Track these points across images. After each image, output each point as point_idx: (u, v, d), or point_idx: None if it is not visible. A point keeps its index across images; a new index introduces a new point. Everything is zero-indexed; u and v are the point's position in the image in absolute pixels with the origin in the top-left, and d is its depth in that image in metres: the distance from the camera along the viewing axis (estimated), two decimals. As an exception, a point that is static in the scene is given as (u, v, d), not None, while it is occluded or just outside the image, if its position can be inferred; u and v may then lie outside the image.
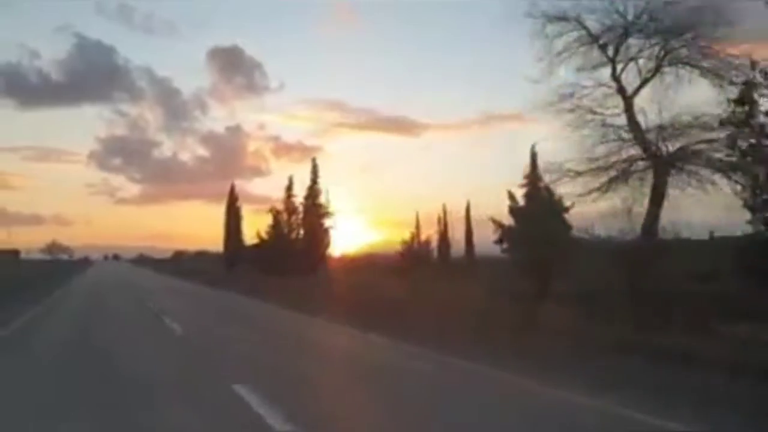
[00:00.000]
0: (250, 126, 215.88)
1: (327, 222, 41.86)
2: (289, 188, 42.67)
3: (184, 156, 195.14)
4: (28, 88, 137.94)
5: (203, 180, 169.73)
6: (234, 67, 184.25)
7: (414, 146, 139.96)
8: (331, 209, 41.78)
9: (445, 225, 52.44)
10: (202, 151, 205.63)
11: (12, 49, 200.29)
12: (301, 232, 42.18)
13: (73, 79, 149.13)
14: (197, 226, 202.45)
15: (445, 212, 54.21)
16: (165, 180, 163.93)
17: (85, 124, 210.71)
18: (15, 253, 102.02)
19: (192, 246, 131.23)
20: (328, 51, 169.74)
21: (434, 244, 46.16)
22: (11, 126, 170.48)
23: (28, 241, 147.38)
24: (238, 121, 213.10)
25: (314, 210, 41.26)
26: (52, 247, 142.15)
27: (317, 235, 41.16)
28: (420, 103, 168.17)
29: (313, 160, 42.10)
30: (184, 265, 73.83)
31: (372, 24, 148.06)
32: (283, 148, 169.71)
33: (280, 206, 42.62)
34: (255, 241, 45.61)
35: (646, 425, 5.32)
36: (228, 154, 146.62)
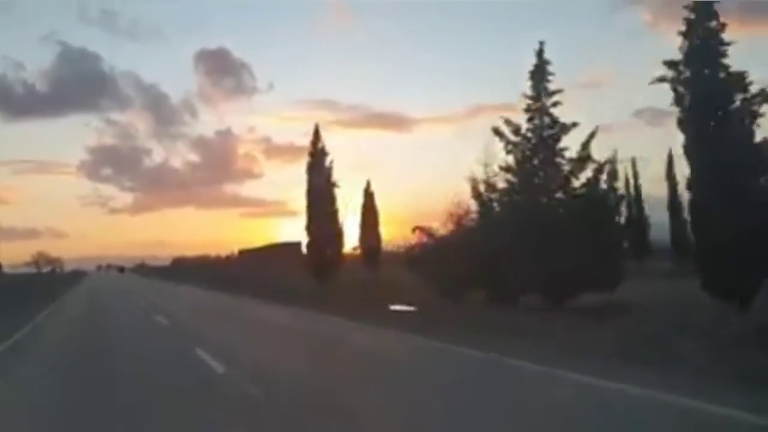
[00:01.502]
0: (241, 129, 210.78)
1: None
2: (541, 63, 15.60)
3: (175, 162, 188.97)
4: (14, 100, 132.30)
5: (195, 186, 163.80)
6: (222, 69, 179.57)
7: (407, 141, 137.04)
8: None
9: (637, 188, 34.98)
10: (193, 157, 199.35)
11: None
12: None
13: (60, 89, 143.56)
14: (192, 232, 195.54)
15: (634, 167, 34.68)
16: (156, 187, 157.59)
17: (74, 134, 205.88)
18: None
19: (188, 252, 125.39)
20: (316, 49, 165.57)
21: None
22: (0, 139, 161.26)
23: (24, 255, 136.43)
24: (228, 125, 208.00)
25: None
26: (39, 259, 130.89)
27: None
28: (411, 96, 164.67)
29: None
30: (207, 273, 60.15)
31: (359, 21, 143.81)
32: (275, 150, 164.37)
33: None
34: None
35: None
36: (219, 158, 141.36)
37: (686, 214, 18.27)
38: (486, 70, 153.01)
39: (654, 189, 59.62)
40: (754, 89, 11.27)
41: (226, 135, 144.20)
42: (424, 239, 19.23)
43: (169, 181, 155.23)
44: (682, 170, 12.24)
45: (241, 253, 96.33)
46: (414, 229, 19.75)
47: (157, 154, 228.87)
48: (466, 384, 7.58)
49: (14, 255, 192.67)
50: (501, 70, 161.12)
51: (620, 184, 31.73)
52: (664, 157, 35.31)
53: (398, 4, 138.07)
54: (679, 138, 11.56)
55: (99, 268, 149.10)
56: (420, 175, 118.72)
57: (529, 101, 15.34)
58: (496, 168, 15.61)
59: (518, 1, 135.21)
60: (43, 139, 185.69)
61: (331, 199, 29.00)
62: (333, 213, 29.03)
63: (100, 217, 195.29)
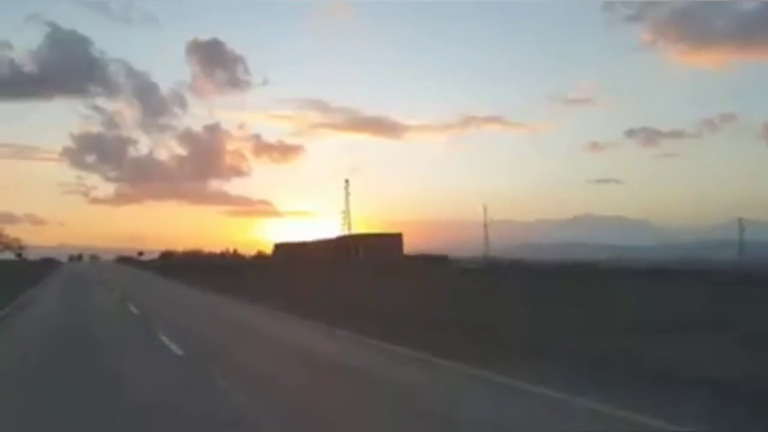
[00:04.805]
0: (230, 124, 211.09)
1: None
2: None
3: (161, 154, 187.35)
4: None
5: (180, 180, 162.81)
6: (215, 61, 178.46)
7: (395, 147, 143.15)
8: None
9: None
10: (180, 150, 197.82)
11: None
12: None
13: (46, 72, 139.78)
14: (175, 227, 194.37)
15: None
16: (141, 179, 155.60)
17: (59, 120, 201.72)
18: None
19: (172, 247, 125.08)
20: (311, 48, 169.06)
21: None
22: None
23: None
24: (217, 119, 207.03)
25: None
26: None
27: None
28: (401, 103, 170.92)
29: None
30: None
31: (356, 23, 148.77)
32: (264, 148, 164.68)
33: None
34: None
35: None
36: (207, 153, 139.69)
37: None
38: (478, 81, 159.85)
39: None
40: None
41: (214, 130, 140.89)
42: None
43: (154, 173, 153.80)
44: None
45: (278, 247, 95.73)
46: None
47: (144, 144, 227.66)
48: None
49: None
50: (492, 83, 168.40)
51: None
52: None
53: (398, 8, 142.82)
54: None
55: (71, 258, 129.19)
56: (407, 181, 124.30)
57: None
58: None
59: (515, 13, 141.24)
60: (26, 123, 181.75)
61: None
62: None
63: (81, 207, 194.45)
